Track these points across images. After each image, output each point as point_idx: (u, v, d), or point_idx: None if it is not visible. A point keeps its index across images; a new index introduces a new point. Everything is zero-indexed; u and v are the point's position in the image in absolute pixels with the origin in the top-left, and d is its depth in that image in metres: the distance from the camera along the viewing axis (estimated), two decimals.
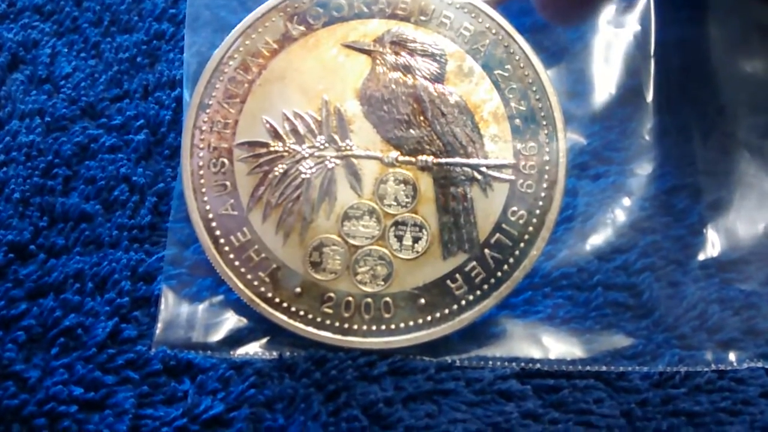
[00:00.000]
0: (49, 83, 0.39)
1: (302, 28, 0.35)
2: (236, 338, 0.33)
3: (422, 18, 0.35)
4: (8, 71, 0.39)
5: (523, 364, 0.33)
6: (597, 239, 0.36)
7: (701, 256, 0.36)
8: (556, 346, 0.34)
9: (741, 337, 0.34)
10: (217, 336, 0.33)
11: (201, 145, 0.34)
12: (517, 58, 0.34)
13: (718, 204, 0.37)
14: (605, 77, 0.38)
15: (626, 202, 0.37)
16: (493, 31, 0.35)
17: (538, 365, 0.33)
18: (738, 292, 0.35)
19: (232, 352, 0.33)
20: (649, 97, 0.38)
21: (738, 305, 0.35)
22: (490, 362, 0.33)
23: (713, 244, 0.36)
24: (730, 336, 0.34)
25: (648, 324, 0.34)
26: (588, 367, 0.33)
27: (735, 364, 0.34)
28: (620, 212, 0.36)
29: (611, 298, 0.35)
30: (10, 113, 0.38)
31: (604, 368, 0.33)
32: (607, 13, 0.38)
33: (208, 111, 0.34)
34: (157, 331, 0.33)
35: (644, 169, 0.37)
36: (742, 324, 0.35)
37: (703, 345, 0.34)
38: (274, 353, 0.33)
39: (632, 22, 0.38)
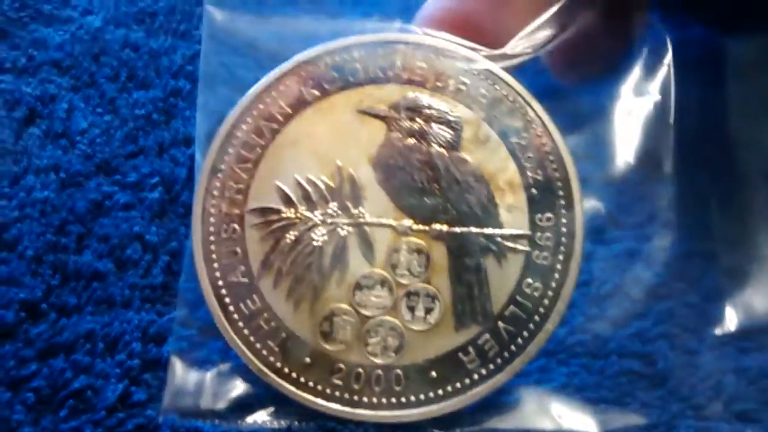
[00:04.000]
0: (65, 138, 0.39)
1: (317, 92, 0.34)
2: (245, 406, 0.33)
3: (438, 84, 0.34)
4: (25, 125, 0.39)
5: None
6: (612, 305, 0.35)
7: (717, 325, 0.35)
8: (569, 419, 0.33)
9: (758, 408, 0.34)
10: (226, 403, 0.33)
11: (212, 211, 0.33)
12: (534, 126, 0.34)
13: (735, 273, 0.36)
14: (623, 143, 0.37)
15: (641, 268, 0.36)
16: (511, 98, 0.34)
17: None
18: (754, 361, 0.35)
19: (240, 421, 0.33)
20: (668, 163, 0.37)
21: (754, 375, 0.34)
22: None
23: (729, 313, 0.36)
24: (747, 407, 0.34)
25: (663, 393, 0.34)
26: None
27: None
28: (635, 278, 0.36)
29: (626, 366, 0.34)
30: (26, 168, 0.38)
31: None
32: (628, 80, 0.38)
33: (220, 175, 0.34)
34: (166, 400, 0.33)
35: (660, 235, 0.37)
36: (759, 395, 0.34)
37: (719, 416, 0.34)
38: (283, 423, 0.32)
39: (652, 91, 0.38)
